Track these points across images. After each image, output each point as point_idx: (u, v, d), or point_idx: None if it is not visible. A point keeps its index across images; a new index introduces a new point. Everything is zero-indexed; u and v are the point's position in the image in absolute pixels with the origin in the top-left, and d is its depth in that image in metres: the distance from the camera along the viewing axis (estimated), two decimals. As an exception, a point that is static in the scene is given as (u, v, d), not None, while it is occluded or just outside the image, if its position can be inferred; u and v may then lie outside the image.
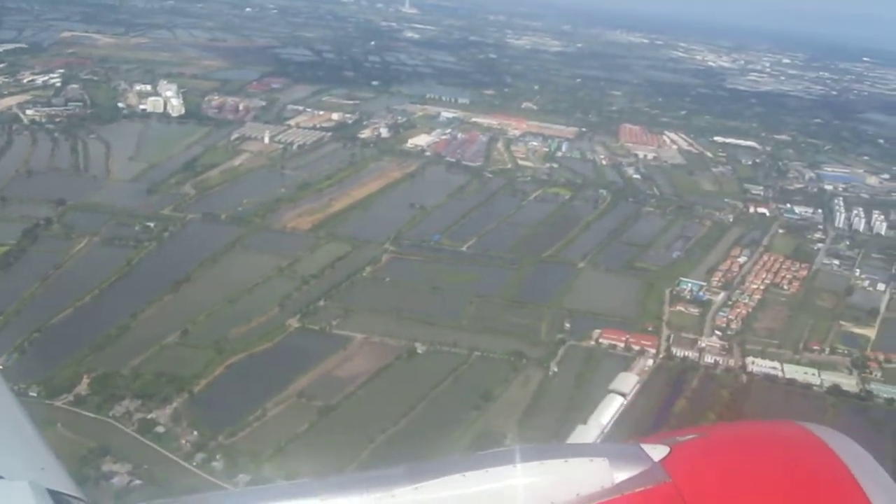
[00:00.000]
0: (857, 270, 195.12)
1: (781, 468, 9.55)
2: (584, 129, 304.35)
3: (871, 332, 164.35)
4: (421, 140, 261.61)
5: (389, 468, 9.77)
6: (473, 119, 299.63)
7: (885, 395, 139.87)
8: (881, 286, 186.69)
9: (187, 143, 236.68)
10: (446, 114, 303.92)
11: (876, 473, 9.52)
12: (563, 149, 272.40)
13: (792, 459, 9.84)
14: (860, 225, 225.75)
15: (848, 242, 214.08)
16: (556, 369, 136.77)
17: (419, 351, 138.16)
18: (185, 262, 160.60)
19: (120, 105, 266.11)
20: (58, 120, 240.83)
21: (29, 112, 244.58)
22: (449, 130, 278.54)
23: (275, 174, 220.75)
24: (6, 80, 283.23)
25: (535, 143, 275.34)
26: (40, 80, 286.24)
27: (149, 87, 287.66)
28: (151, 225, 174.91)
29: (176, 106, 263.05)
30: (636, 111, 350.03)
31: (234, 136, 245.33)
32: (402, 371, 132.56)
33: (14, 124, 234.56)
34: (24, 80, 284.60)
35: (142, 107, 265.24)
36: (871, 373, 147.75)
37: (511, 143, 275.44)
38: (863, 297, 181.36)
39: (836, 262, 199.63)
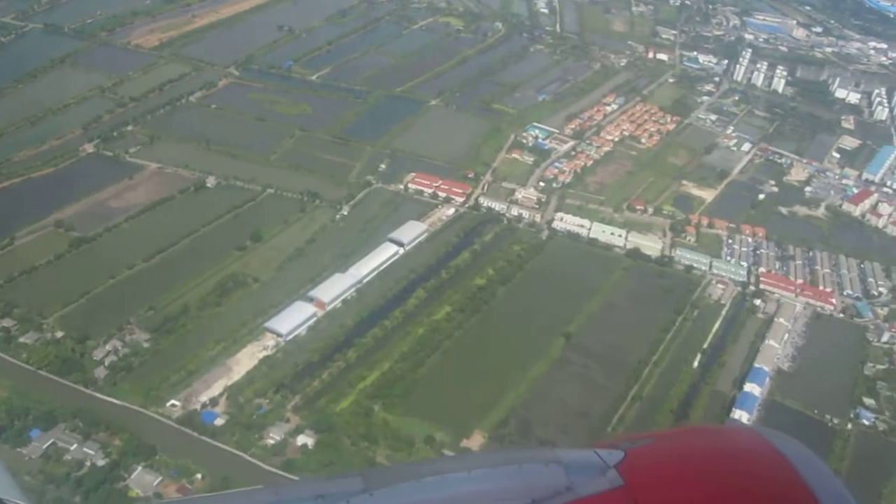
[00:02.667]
0: (731, 128, 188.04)
1: (733, 471, 9.69)
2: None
3: (710, 195, 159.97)
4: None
5: (345, 476, 9.91)
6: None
7: (686, 263, 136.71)
8: (746, 146, 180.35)
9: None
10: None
11: (823, 475, 9.72)
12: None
13: (743, 463, 9.88)
14: (759, 80, 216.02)
15: (737, 98, 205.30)
16: (345, 213, 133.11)
17: (209, 185, 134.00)
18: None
19: None
20: None
21: None
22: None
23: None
24: None
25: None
26: None
27: None
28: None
29: None
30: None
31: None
32: (182, 205, 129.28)
33: None
34: None
35: None
36: (685, 238, 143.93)
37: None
38: (722, 156, 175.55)
39: (713, 117, 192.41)
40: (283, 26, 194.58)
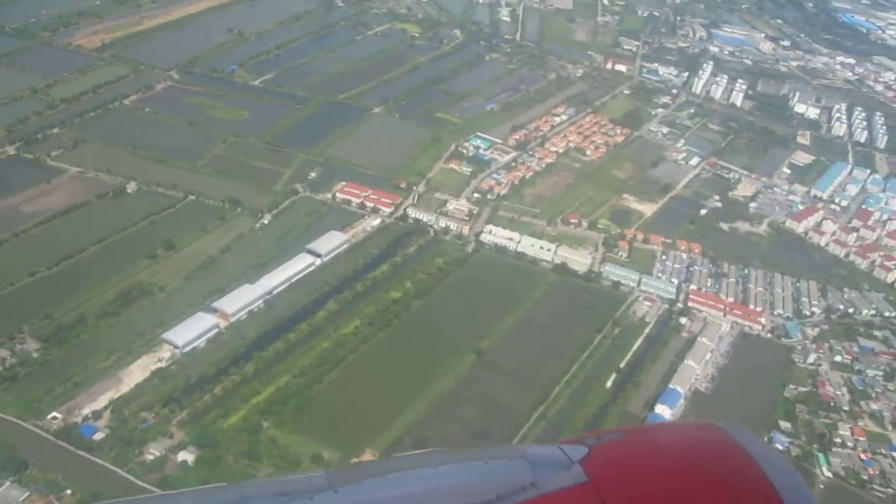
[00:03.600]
0: (682, 142, 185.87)
1: (695, 465, 9.83)
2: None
3: (650, 209, 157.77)
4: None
5: (310, 473, 10.21)
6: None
7: (614, 279, 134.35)
8: (695, 160, 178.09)
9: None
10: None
11: (783, 469, 9.95)
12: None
13: (706, 458, 10.05)
14: (717, 93, 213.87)
15: (692, 111, 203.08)
16: (266, 221, 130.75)
17: (129, 190, 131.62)
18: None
19: None
20: None
21: None
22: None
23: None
24: None
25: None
26: None
27: None
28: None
29: None
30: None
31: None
32: (97, 211, 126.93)
33: None
34: None
35: None
36: (617, 253, 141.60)
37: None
38: (668, 170, 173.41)
39: (665, 130, 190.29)
40: (232, 29, 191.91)
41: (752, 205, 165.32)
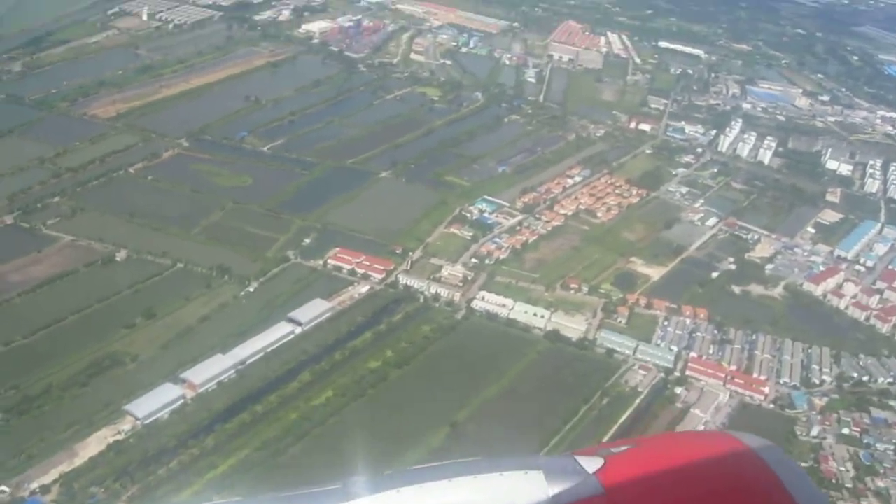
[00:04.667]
0: (701, 202, 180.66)
1: (713, 478, 10.01)
2: (515, 24, 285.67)
3: (658, 272, 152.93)
4: (316, 26, 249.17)
5: (324, 486, 10.69)
6: (398, 5, 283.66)
7: (609, 346, 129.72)
8: (712, 221, 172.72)
9: (58, 15, 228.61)
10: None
11: (800, 478, 10.22)
12: (472, 44, 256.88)
13: (723, 469, 10.19)
14: (744, 150, 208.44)
15: (716, 170, 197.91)
16: (251, 289, 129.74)
17: (118, 259, 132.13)
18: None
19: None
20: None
21: None
22: (357, 17, 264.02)
23: (127, 55, 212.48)
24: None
25: (444, 37, 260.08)
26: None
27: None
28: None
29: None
30: (595, 7, 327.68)
31: (114, 10, 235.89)
32: (83, 279, 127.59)
33: None
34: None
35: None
36: (616, 319, 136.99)
37: (421, 34, 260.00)
38: (683, 231, 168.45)
39: (684, 190, 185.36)
40: (249, 96, 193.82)
41: (769, 266, 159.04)
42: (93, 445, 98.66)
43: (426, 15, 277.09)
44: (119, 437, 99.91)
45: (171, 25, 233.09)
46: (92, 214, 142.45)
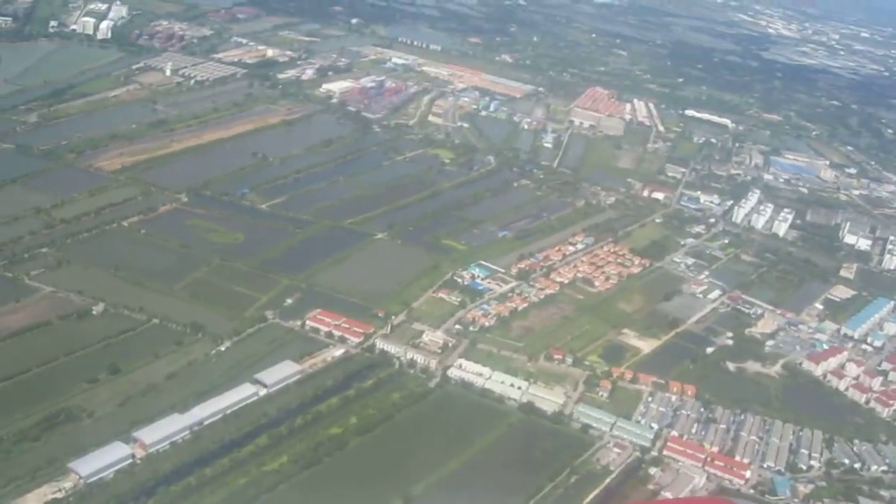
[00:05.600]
0: (706, 273, 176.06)
1: None
2: (540, 89, 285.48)
3: (650, 346, 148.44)
4: (337, 86, 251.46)
5: None
6: (424, 67, 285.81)
7: (584, 421, 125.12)
8: (715, 294, 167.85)
9: (84, 69, 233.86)
10: (398, 59, 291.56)
11: None
12: (492, 108, 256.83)
13: None
14: (759, 222, 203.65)
15: (726, 241, 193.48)
16: (222, 348, 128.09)
17: (94, 312, 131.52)
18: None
19: (52, 23, 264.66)
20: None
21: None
22: (381, 77, 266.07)
23: (144, 109, 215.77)
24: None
25: (466, 100, 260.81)
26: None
27: (103, 7, 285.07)
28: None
29: (102, 29, 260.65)
30: (625, 74, 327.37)
31: (139, 65, 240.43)
32: (55, 332, 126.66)
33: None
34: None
35: (73, 27, 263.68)
36: (598, 393, 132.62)
37: (442, 96, 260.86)
38: (682, 304, 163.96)
39: (690, 261, 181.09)
40: (257, 153, 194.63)
41: (769, 343, 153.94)
42: (31, 503, 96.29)
43: (451, 77, 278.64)
44: (58, 496, 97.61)
45: (192, 81, 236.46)
46: (76, 267, 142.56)
